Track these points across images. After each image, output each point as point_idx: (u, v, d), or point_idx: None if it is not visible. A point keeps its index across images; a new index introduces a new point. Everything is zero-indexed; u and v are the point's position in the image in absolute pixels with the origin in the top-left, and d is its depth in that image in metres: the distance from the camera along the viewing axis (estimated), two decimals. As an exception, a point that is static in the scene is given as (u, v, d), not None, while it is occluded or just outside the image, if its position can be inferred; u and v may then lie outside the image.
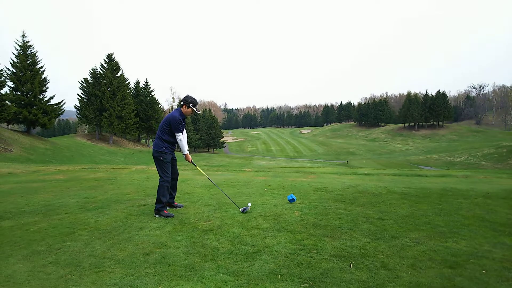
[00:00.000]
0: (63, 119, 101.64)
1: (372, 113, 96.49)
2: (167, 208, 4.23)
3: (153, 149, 4.16)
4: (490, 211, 4.11)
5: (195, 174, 8.43)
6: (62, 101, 35.20)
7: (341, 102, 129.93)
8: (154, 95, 50.20)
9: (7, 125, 34.69)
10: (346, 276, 2.33)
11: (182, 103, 4.17)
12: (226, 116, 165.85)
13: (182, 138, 4.11)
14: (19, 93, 31.05)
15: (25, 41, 31.78)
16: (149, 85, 50.22)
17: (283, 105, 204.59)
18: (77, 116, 43.84)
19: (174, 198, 4.42)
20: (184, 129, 4.23)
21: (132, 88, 48.02)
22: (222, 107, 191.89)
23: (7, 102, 28.94)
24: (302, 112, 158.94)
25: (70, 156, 30.04)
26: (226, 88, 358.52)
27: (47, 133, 69.10)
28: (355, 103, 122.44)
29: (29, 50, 32.02)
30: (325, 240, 3.06)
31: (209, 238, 3.18)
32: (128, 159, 34.72)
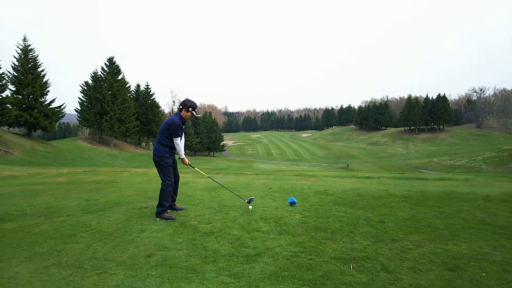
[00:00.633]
0: (63, 122, 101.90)
1: (373, 117, 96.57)
2: (168, 211, 4.23)
3: (153, 154, 4.15)
4: (490, 214, 4.12)
5: (196, 177, 8.45)
6: (63, 104, 35.32)
7: (342, 105, 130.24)
8: (154, 98, 50.41)
9: (8, 128, 34.81)
10: (347, 279, 2.34)
11: (181, 107, 4.15)
12: (227, 120, 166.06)
13: (180, 143, 4.13)
14: (20, 96, 31.11)
15: (26, 45, 31.96)
16: (149, 88, 50.47)
17: (283, 109, 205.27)
18: (77, 119, 43.96)
19: (175, 201, 4.42)
20: (183, 133, 4.24)
21: (132, 92, 48.22)
22: (223, 110, 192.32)
23: (8, 105, 29.04)
24: (303, 116, 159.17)
25: (71, 159, 30.08)
26: (227, 92, 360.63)
27: (48, 136, 69.33)
28: (356, 107, 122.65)
29: (30, 53, 32.16)
30: (326, 243, 3.07)
31: (210, 241, 3.19)
32: (129, 162, 34.74)
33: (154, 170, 10.18)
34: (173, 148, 4.18)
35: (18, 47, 31.77)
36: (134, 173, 10.02)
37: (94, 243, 3.20)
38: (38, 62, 32.64)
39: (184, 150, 4.32)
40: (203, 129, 62.35)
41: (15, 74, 31.06)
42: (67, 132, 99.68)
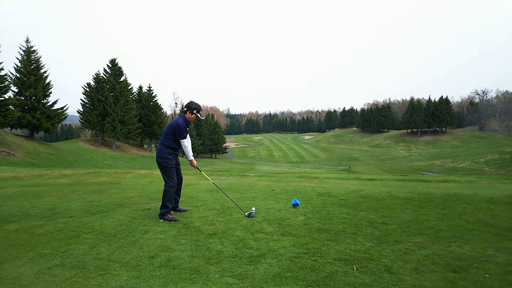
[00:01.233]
0: (66, 124, 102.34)
1: (375, 119, 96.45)
2: (171, 212, 4.23)
3: (156, 155, 4.15)
4: (493, 216, 4.11)
5: (199, 178, 8.46)
6: (65, 106, 35.52)
7: (344, 108, 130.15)
8: (157, 100, 50.54)
9: (11, 130, 35.00)
10: (350, 280, 2.34)
11: (186, 109, 4.14)
12: (229, 122, 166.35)
13: (187, 144, 4.11)
14: (23, 98, 31.24)
15: (29, 46, 32.08)
16: (152, 90, 50.59)
17: (285, 111, 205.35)
18: (80, 121, 44.08)
19: (178, 202, 4.43)
20: (188, 134, 4.24)
21: (135, 93, 48.30)
22: (225, 112, 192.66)
23: (10, 106, 29.15)
24: (305, 118, 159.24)
25: (73, 160, 30.19)
26: (229, 94, 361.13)
27: (50, 138, 69.60)
28: (358, 109, 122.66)
29: (33, 55, 32.29)
30: (329, 244, 3.07)
31: (213, 242, 3.20)
32: (131, 164, 34.83)
33: (156, 172, 10.22)
34: (176, 150, 4.18)
35: (20, 48, 31.91)
36: (137, 175, 10.05)
37: (97, 244, 3.21)
38: (41, 63, 32.79)
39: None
40: (205, 131, 62.50)
41: (18, 75, 31.20)
42: (69, 133, 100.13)
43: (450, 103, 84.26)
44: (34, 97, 31.49)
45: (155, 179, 8.77)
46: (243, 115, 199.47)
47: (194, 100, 4.19)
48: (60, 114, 34.46)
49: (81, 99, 41.37)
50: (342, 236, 3.30)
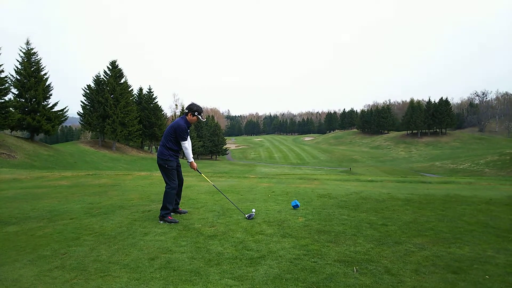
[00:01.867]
0: (66, 126, 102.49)
1: (375, 120, 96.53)
2: (171, 214, 4.23)
3: (157, 157, 4.15)
4: (493, 217, 4.11)
5: (199, 180, 8.46)
6: (65, 108, 35.48)
7: (344, 109, 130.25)
8: (157, 102, 50.59)
9: (11, 132, 35.00)
10: (350, 281, 2.34)
11: (187, 111, 4.16)
12: (229, 123, 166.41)
13: (188, 146, 4.12)
14: (23, 100, 31.21)
15: (29, 48, 32.07)
16: (152, 92, 50.66)
17: (286, 112, 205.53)
18: (80, 123, 44.16)
19: (178, 204, 4.43)
20: (188, 136, 4.25)
21: (135, 95, 48.41)
22: (225, 114, 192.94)
23: (11, 108, 29.16)
24: (305, 119, 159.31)
25: (73, 162, 30.19)
26: (229, 95, 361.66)
27: (50, 140, 69.74)
28: (358, 111, 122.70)
29: (33, 57, 32.28)
30: (329, 246, 3.07)
31: (213, 244, 3.20)
32: (131, 165, 34.81)
33: (157, 174, 10.22)
34: (177, 152, 4.18)
35: (21, 50, 31.89)
36: (137, 177, 10.05)
37: (97, 246, 3.21)
38: (41, 65, 32.80)
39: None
40: (205, 132, 62.50)
41: (18, 77, 31.16)
42: (69, 135, 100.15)
43: (450, 104, 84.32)
44: (34, 99, 31.49)
45: (155, 181, 8.77)
46: (244, 116, 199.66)
47: (195, 102, 4.21)
48: (61, 116, 34.46)
49: (81, 101, 41.43)
50: (342, 238, 3.31)
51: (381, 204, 4.91)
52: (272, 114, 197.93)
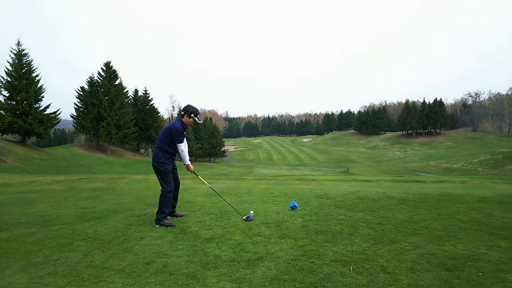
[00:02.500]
0: (59, 129, 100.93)
1: (372, 121, 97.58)
2: (168, 217, 4.18)
3: (152, 160, 4.10)
4: (486, 215, 4.19)
5: (196, 183, 8.42)
6: (58, 110, 34.85)
7: (341, 110, 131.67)
8: (153, 103, 50.14)
9: (2, 135, 34.30)
10: (347, 280, 2.35)
11: (183, 113, 4.11)
12: (227, 125, 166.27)
13: (184, 148, 4.07)
14: (14, 102, 30.52)
15: (20, 49, 31.41)
16: (148, 93, 50.22)
17: (284, 114, 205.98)
18: (73, 126, 43.47)
19: (175, 207, 4.38)
20: (185, 138, 4.20)
21: (130, 97, 47.83)
22: (223, 116, 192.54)
23: (1, 111, 28.63)
24: (303, 121, 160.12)
25: (67, 166, 29.77)
26: (227, 97, 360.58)
27: (42, 143, 68.51)
28: (355, 112, 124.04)
29: (25, 58, 31.63)
30: (326, 246, 3.08)
31: (211, 246, 3.17)
32: (127, 169, 34.47)
33: (153, 177, 10.13)
34: (173, 154, 4.14)
35: (11, 51, 31.17)
36: (132, 180, 9.95)
37: (91, 252, 3.15)
38: (33, 67, 32.16)
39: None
40: (203, 134, 62.21)
41: (9, 79, 30.49)
42: (62, 138, 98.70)
43: (444, 105, 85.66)
44: (25, 102, 30.90)
45: (151, 184, 8.69)
46: (242, 118, 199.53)
47: (191, 104, 4.16)
48: (53, 118, 33.86)
49: (75, 103, 40.75)
50: (339, 238, 3.32)
51: (377, 204, 4.95)
52: (270, 116, 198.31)
